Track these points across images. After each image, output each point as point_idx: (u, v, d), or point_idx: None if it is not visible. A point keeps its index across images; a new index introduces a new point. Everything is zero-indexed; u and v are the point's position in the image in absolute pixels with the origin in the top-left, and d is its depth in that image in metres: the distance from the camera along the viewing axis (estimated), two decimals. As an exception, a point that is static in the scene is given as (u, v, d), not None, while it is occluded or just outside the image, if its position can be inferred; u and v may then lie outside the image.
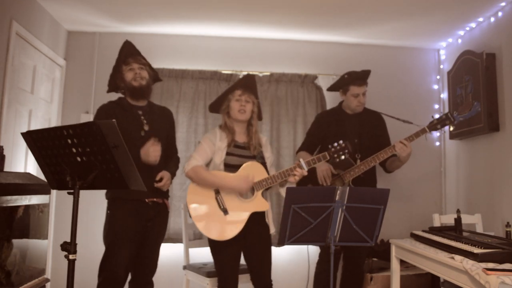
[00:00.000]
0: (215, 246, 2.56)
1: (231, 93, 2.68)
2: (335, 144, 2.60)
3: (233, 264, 2.55)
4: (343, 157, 2.60)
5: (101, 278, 2.42)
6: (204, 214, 2.52)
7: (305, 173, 2.56)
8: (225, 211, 2.52)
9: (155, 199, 2.54)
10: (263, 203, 2.56)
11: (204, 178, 2.52)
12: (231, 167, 2.58)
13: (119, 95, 2.70)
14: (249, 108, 2.65)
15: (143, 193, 2.41)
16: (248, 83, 2.71)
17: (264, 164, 2.66)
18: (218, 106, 2.75)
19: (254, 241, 2.60)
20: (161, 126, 2.66)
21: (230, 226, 2.49)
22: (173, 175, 2.65)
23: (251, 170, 2.56)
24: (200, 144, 2.65)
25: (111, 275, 2.40)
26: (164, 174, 2.54)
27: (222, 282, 2.56)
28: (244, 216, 2.51)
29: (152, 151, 2.44)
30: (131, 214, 2.46)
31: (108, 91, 2.72)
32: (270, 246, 2.66)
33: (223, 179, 2.53)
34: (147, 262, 2.58)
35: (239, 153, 2.63)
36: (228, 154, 2.60)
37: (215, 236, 2.49)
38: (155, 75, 2.78)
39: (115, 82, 2.66)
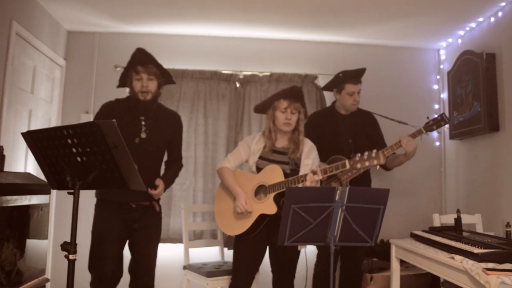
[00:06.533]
0: (237, 237, 2.68)
1: (277, 101, 2.68)
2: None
3: (247, 255, 2.64)
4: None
5: (93, 276, 2.52)
6: (222, 211, 2.76)
7: (317, 179, 2.50)
8: None
9: (140, 202, 2.54)
10: (271, 206, 2.56)
11: (224, 178, 2.73)
12: (260, 170, 2.67)
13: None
14: (294, 119, 2.67)
15: (129, 196, 2.45)
16: (295, 95, 2.69)
17: (294, 170, 2.63)
18: (263, 109, 2.80)
19: (276, 242, 2.60)
20: (161, 134, 2.63)
21: (239, 224, 2.63)
22: (168, 183, 2.64)
23: (266, 173, 2.61)
24: (237, 147, 2.82)
25: (99, 272, 2.49)
26: (160, 182, 2.54)
27: (234, 271, 2.69)
28: (251, 216, 2.59)
29: None
30: (115, 216, 2.50)
31: (118, 86, 2.70)
32: (296, 250, 2.67)
33: (233, 182, 2.67)
34: (142, 264, 2.59)
35: (272, 158, 2.68)
36: (260, 158, 2.68)
37: (226, 230, 2.72)
38: (167, 80, 2.73)
39: (125, 81, 2.63)
